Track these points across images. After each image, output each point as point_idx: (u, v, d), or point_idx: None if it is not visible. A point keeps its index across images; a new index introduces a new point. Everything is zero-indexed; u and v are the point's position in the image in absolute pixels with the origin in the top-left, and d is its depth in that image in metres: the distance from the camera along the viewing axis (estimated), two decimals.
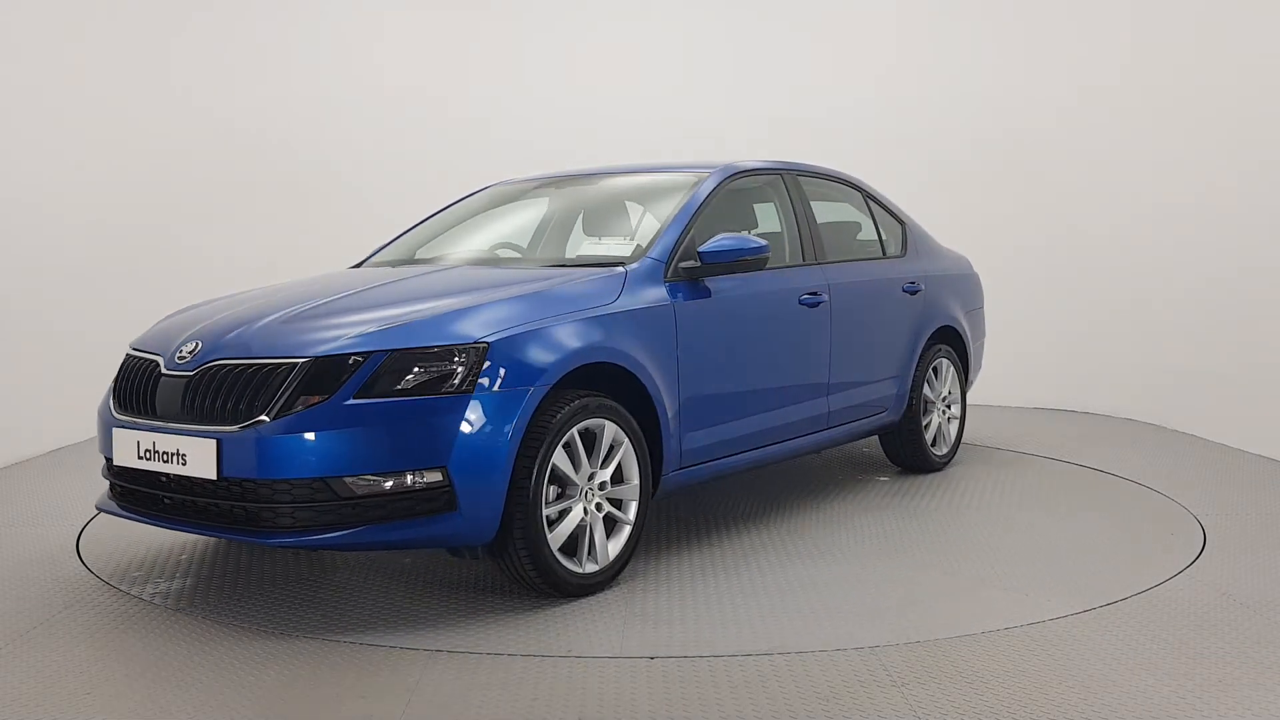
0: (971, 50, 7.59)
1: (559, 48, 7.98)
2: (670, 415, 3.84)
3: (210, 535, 3.38)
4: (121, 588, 3.69)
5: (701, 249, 4.02)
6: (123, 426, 3.51)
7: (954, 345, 5.65)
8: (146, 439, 3.39)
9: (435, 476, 3.18)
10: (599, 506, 3.58)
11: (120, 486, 3.62)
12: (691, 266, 4.02)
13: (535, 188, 5.03)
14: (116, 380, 3.71)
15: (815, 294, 4.58)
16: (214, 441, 3.20)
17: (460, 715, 2.66)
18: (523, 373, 3.33)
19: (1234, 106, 6.11)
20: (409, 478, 3.17)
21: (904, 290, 5.23)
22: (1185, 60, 6.49)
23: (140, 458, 3.41)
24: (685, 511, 4.72)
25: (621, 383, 3.71)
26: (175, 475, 3.32)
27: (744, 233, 4.76)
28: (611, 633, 3.22)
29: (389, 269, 4.37)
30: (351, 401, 3.16)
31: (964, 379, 5.76)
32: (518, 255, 4.68)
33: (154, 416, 3.44)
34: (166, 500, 3.42)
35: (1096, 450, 5.93)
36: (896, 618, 3.32)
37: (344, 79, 7.77)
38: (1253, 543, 4.13)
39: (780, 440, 4.45)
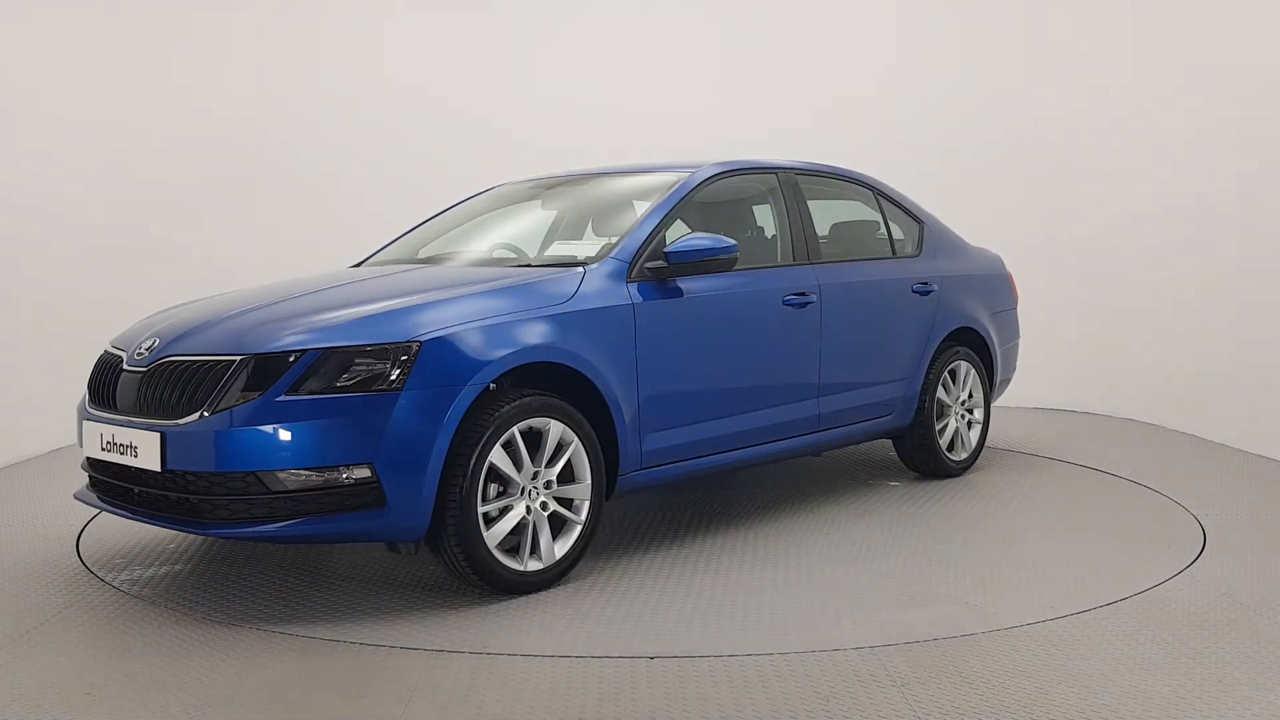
0: (971, 50, 7.59)
1: (560, 48, 7.97)
2: (627, 416, 3.82)
3: (162, 526, 3.44)
4: (121, 588, 3.69)
5: (668, 249, 4.00)
6: (91, 419, 3.65)
7: (975, 348, 5.52)
8: (108, 431, 3.52)
9: (363, 472, 3.22)
10: (544, 505, 3.58)
11: (94, 478, 3.74)
12: (659, 266, 4.00)
13: (537, 188, 5.02)
14: (90, 375, 3.83)
15: (802, 294, 4.52)
16: (158, 435, 3.30)
17: (460, 715, 2.66)
18: (456, 371, 3.35)
19: (1234, 107, 6.10)
20: (340, 473, 3.21)
21: (913, 291, 5.14)
22: (1185, 60, 6.49)
23: (103, 449, 3.54)
24: (683, 511, 4.72)
25: (576, 382, 3.71)
26: (133, 467, 3.42)
27: (750, 232, 4.74)
28: (611, 633, 3.22)
29: (378, 268, 4.39)
30: (283, 398, 3.21)
31: (987, 383, 5.59)
32: (513, 255, 4.68)
33: (115, 410, 3.55)
34: (136, 492, 3.50)
35: (1096, 450, 5.93)
36: (896, 618, 3.32)
37: (345, 79, 7.76)
38: (1253, 543, 4.13)
39: (763, 442, 4.40)
